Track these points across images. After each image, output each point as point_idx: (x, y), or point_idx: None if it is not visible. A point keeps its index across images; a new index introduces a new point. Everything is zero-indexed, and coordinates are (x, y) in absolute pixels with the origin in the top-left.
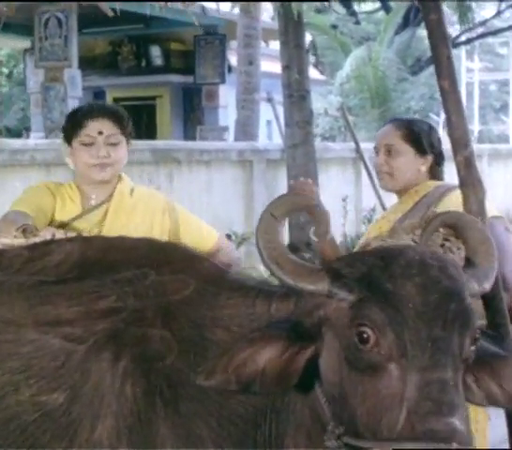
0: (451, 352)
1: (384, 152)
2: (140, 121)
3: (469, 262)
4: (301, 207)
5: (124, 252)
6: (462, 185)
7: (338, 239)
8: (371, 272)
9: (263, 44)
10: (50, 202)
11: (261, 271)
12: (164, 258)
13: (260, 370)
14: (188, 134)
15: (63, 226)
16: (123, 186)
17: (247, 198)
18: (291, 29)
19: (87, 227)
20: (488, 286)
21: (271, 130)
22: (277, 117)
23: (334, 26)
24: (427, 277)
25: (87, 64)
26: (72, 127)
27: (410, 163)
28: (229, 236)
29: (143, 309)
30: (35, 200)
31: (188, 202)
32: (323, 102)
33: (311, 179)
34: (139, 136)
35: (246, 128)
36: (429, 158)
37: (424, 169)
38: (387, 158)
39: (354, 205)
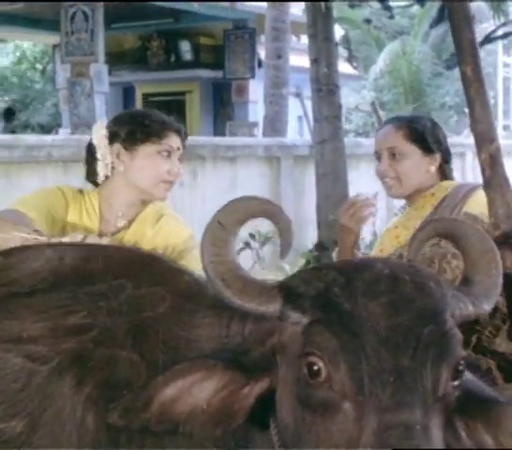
0: (421, 389)
1: (387, 156)
2: (170, 116)
3: (467, 278)
4: (257, 213)
5: (102, 261)
6: (487, 185)
7: (368, 237)
8: (329, 289)
9: (294, 38)
10: (60, 208)
11: (287, 271)
12: (143, 268)
13: (192, 409)
14: (218, 130)
15: None
16: (151, 211)
17: (273, 195)
18: (319, 21)
19: None
20: (488, 307)
21: (302, 126)
22: (305, 112)
23: (368, 21)
24: (396, 296)
25: (116, 59)
26: (149, 131)
27: (417, 165)
28: (252, 236)
29: (114, 328)
30: (42, 202)
31: (213, 199)
32: (356, 97)
33: (340, 176)
34: None
35: (274, 124)
36: (437, 157)
37: (433, 169)
38: (392, 163)
39: (386, 203)
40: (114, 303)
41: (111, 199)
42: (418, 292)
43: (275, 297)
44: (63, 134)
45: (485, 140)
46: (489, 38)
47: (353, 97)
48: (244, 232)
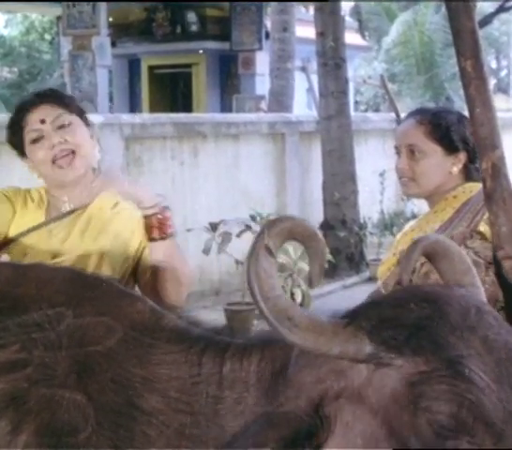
0: None
1: (406, 154)
2: (176, 89)
3: None
4: (295, 235)
5: (37, 285)
6: (489, 199)
7: (376, 216)
8: (431, 327)
9: (302, 9)
10: (5, 212)
11: (291, 254)
12: (86, 294)
13: None
14: (225, 103)
15: (9, 242)
16: (106, 198)
17: (278, 173)
18: None
19: (46, 240)
20: None
21: (310, 99)
22: (312, 87)
23: None
24: (491, 331)
25: (121, 31)
26: (13, 134)
27: (438, 165)
28: (253, 218)
29: (53, 364)
30: None
31: (215, 178)
32: (367, 69)
33: (347, 152)
34: (175, 104)
35: (280, 99)
36: (462, 157)
37: (456, 170)
38: (410, 162)
39: (394, 181)
40: (52, 335)
41: (52, 191)
42: (499, 325)
43: (357, 337)
44: None
45: (487, 146)
46: (503, 7)
47: (364, 69)
48: (244, 214)
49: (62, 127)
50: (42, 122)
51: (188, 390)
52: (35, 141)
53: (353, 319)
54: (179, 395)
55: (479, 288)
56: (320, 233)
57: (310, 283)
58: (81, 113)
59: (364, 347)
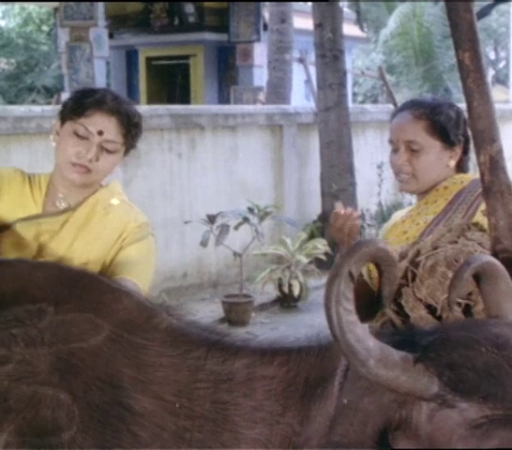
0: None
1: (404, 149)
2: (173, 80)
3: None
4: (377, 260)
5: (18, 280)
6: (487, 193)
7: (374, 208)
8: (497, 374)
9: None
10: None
11: (289, 246)
12: (69, 291)
13: None
14: (223, 94)
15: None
16: (101, 196)
17: (276, 165)
18: None
19: (34, 233)
20: None
21: (308, 91)
22: (310, 79)
23: None
24: None
25: (119, 22)
26: (74, 107)
27: (437, 160)
28: (251, 210)
29: (34, 360)
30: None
31: (212, 170)
32: (365, 60)
33: (345, 144)
34: (173, 96)
35: (277, 90)
36: (459, 150)
37: (453, 163)
38: (410, 157)
39: (391, 173)
40: (33, 331)
41: (54, 179)
42: None
43: (427, 376)
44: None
45: (484, 139)
46: None
47: (363, 61)
48: (242, 206)
49: (106, 149)
50: (99, 133)
51: (188, 394)
52: (77, 135)
53: (424, 355)
54: (177, 398)
55: None
56: (395, 260)
57: (381, 305)
58: (132, 141)
59: (432, 387)
